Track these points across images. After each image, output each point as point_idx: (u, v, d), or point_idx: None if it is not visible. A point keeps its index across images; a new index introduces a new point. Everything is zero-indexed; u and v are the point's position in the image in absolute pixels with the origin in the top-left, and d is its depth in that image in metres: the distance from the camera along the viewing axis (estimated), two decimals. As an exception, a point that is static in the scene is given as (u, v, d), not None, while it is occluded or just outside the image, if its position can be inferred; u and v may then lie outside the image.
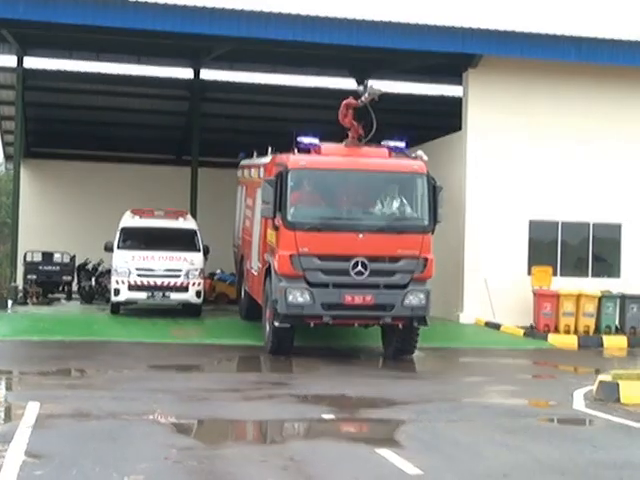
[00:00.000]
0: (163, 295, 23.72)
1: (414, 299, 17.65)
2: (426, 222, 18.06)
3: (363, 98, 18.91)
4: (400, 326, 17.99)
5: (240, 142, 37.40)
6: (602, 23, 69.16)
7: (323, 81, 34.94)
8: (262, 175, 20.09)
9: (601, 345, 22.77)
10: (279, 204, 17.24)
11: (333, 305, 17.12)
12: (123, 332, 21.39)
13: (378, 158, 18.44)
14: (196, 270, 24.05)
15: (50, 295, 29.90)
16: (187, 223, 25.60)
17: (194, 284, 23.94)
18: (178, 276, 23.80)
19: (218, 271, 32.04)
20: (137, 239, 24.74)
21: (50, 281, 30.23)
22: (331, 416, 11.76)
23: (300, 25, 24.89)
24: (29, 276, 29.87)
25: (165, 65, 33.52)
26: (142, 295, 23.78)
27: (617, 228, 26.22)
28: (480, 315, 25.04)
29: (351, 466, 9.06)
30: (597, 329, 23.88)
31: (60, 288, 30.94)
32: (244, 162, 24.94)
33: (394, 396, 13.66)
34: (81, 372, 16.16)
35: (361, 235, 17.28)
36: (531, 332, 23.55)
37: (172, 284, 23.75)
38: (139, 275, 23.68)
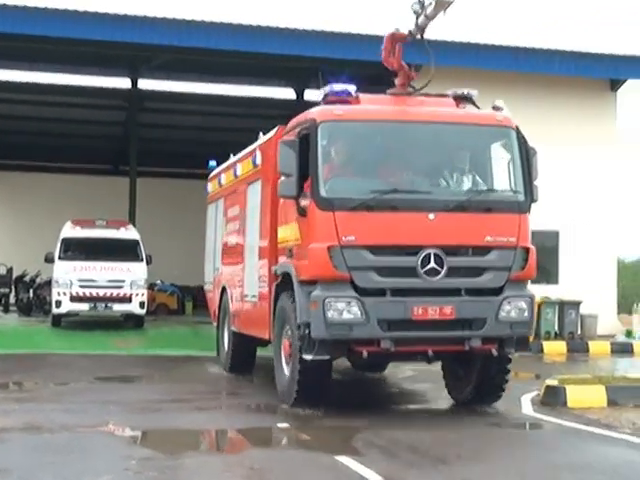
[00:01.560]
0: (106, 306, 23.42)
1: (513, 310, 12.30)
2: (522, 196, 12.56)
3: (423, 17, 12.87)
4: (494, 352, 12.50)
5: (179, 152, 37.56)
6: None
7: (261, 91, 35.05)
8: (258, 162, 14.94)
9: (541, 351, 23.06)
10: (306, 176, 11.93)
11: (396, 323, 11.75)
12: (65, 344, 21.19)
13: (445, 107, 13.05)
14: (139, 280, 23.85)
15: (-14, 308, 29.52)
16: (129, 233, 25.38)
17: (137, 295, 23.72)
18: (121, 287, 23.57)
19: (158, 282, 31.88)
20: (78, 250, 24.36)
21: (-14, 293, 29.87)
22: (286, 425, 11.77)
23: (241, 35, 24.92)
24: (-35, 289, 29.50)
25: (102, 75, 33.32)
26: (84, 306, 23.46)
27: (555, 235, 26.63)
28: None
29: (313, 474, 9.08)
30: (537, 335, 24.20)
31: (-4, 300, 30.57)
32: (218, 170, 19.49)
33: (346, 402, 13.71)
34: (27, 385, 15.93)
35: (432, 215, 11.86)
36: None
37: (115, 295, 23.48)
38: (81, 286, 23.34)
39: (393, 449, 10.26)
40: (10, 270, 31.31)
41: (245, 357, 16.93)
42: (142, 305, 23.86)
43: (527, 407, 13.53)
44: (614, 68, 26.41)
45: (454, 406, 13.82)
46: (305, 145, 11.95)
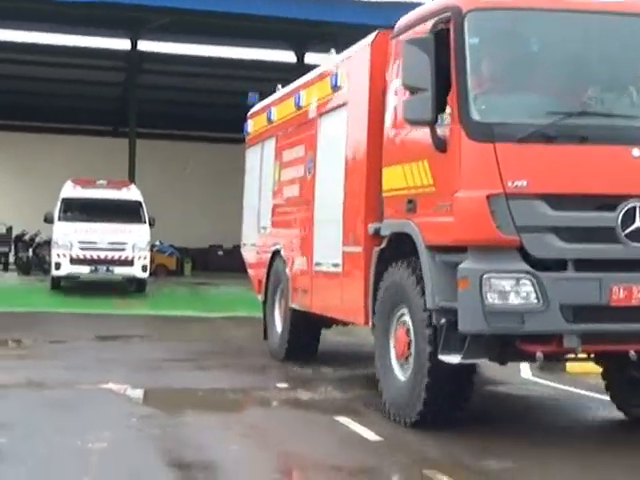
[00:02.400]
0: (107, 269, 22.68)
1: None
2: None
3: None
4: None
5: (177, 114, 37.48)
6: None
7: (259, 53, 34.88)
8: (341, 82, 11.14)
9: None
10: (444, 92, 8.42)
11: (586, 310, 8.21)
12: (65, 303, 21.29)
13: None
14: (142, 243, 23.09)
15: (-14, 267, 29.60)
16: (131, 194, 24.63)
17: (140, 258, 22.93)
18: (123, 249, 22.81)
19: (157, 243, 31.91)
20: (79, 210, 23.67)
21: (-14, 252, 29.93)
22: (285, 385, 11.85)
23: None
24: (-36, 247, 29.56)
25: (102, 36, 33.15)
26: (85, 269, 22.75)
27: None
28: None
29: (312, 433, 9.15)
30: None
31: (-4, 259, 30.65)
32: (264, 103, 15.54)
33: (344, 364, 13.78)
34: (26, 342, 15.99)
35: (638, 152, 8.27)
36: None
37: (117, 258, 22.71)
38: (81, 248, 22.59)
39: (392, 410, 10.29)
40: (10, 229, 31.37)
41: (307, 342, 13.48)
42: (144, 268, 23.11)
43: (526, 372, 13.58)
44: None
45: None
46: (443, 46, 8.41)
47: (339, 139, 11.09)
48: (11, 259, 31.14)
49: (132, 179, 30.89)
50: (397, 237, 9.30)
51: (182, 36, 32.69)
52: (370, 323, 10.01)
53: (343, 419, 9.66)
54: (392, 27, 9.92)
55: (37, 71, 34.36)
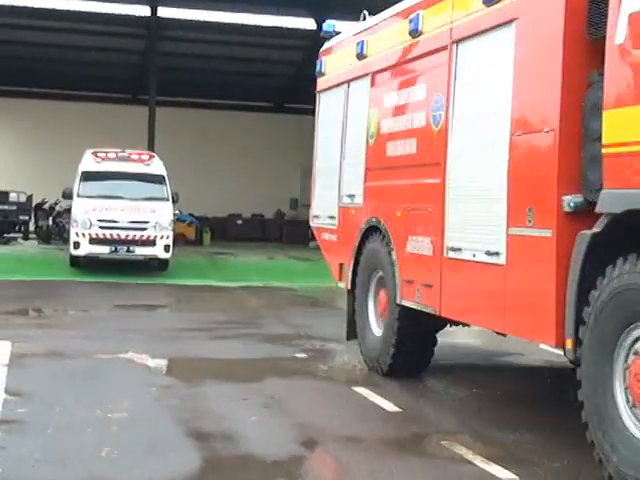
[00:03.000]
0: (128, 250, 21.33)
1: None
2: None
3: None
4: None
5: (198, 81, 37.40)
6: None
7: (280, 20, 34.76)
8: None
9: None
10: None
11: None
12: (84, 273, 21.33)
13: None
14: (164, 222, 21.66)
15: (6, 235, 29.73)
16: (155, 167, 23.06)
17: (162, 237, 21.50)
18: (145, 229, 21.38)
19: (177, 212, 31.90)
20: (99, 186, 22.16)
21: (6, 221, 30.08)
22: (304, 355, 11.87)
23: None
24: (-16, 216, 29.68)
25: (121, 2, 33.08)
26: (104, 249, 21.33)
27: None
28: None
29: (331, 403, 9.17)
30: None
31: (17, 228, 30.77)
32: (350, 33, 11.97)
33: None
34: (46, 312, 16.06)
35: None
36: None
37: (138, 237, 21.32)
38: (101, 227, 21.20)
39: (409, 382, 10.31)
40: (30, 198, 31.44)
41: (420, 350, 10.31)
42: (167, 249, 21.64)
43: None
44: None
45: (478, 344, 13.89)
46: None
47: (497, 73, 8.09)
48: (31, 227, 31.25)
49: (152, 147, 30.91)
50: (632, 217, 6.14)
51: (201, 3, 32.59)
52: (568, 344, 6.82)
53: (361, 390, 9.69)
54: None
55: (55, 37, 34.34)
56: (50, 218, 29.81)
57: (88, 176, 22.28)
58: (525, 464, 7.19)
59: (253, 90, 38.96)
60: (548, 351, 12.44)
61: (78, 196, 21.91)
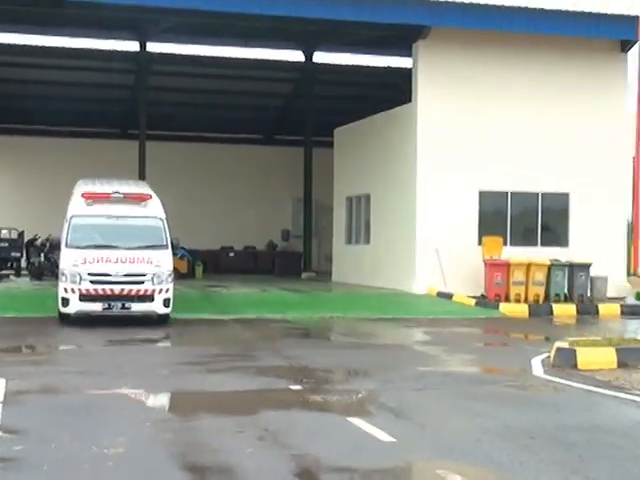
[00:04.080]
0: (123, 306, 18.86)
1: None
2: None
3: None
4: None
5: (186, 115, 37.56)
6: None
7: (269, 53, 34.97)
8: None
9: (551, 313, 23.24)
10: None
11: None
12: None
13: None
14: (163, 273, 19.14)
15: (-2, 272, 29.73)
16: (153, 210, 20.25)
17: (161, 291, 19.04)
18: (141, 282, 18.94)
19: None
20: (89, 233, 19.69)
21: (-2, 257, 30.08)
22: (298, 387, 11.90)
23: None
24: (-24, 253, 29.69)
25: (111, 38, 33.28)
26: (97, 306, 18.81)
27: (565, 197, 26.68)
28: (432, 285, 25.33)
29: (326, 435, 9.18)
30: (547, 297, 24.33)
31: (9, 265, 30.76)
32: None
33: (355, 366, 13.84)
34: (41, 348, 16.10)
35: None
36: (482, 301, 23.91)
37: (134, 292, 18.87)
38: (92, 282, 18.74)
39: (404, 411, 10.36)
40: (21, 234, 31.46)
41: None
42: (167, 303, 19.16)
43: (538, 369, 13.63)
44: (624, 28, 26.18)
45: (468, 370, 13.93)
46: None
47: None
48: (23, 264, 31.23)
49: (142, 180, 30.95)
50: None
51: (190, 37, 32.79)
52: None
53: (356, 420, 9.72)
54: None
55: (46, 74, 34.54)
56: (42, 254, 29.80)
57: (77, 222, 19.71)
58: (520, 491, 7.22)
59: (243, 122, 39.14)
60: (540, 377, 12.60)
61: (67, 246, 19.41)
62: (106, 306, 18.80)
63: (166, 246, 19.74)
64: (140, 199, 20.40)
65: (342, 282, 30.45)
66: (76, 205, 20.09)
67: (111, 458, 8.04)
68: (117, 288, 18.81)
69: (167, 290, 19.15)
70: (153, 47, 33.66)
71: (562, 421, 9.94)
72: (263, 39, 32.51)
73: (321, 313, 21.84)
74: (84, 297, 18.75)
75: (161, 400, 11.34)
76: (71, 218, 19.75)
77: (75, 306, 18.84)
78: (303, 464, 8.05)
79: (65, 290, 18.86)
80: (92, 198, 20.10)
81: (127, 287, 18.87)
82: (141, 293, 18.95)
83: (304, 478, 7.71)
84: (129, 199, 20.33)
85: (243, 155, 39.29)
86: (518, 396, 11.69)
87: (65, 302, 18.87)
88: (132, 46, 33.65)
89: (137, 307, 19.04)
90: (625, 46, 26.83)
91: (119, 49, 34.21)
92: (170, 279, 19.28)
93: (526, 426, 9.59)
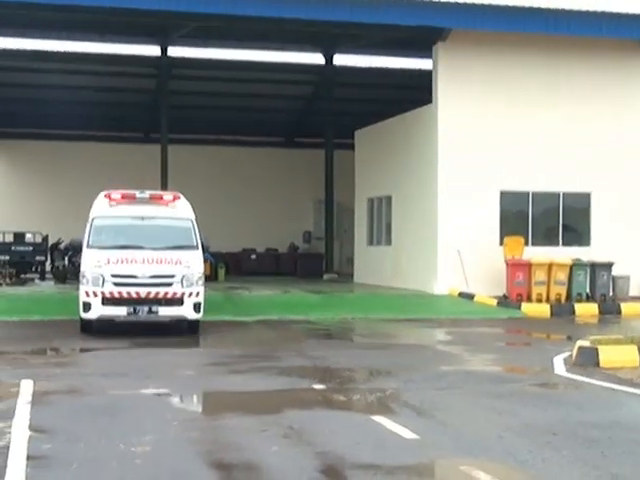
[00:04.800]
0: (150, 310, 17.60)
1: None
2: None
3: None
4: None
5: (208, 118, 37.77)
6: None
7: (289, 56, 35.08)
8: None
9: (573, 313, 23.24)
10: None
11: None
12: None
13: None
14: (194, 275, 17.80)
15: (23, 276, 29.99)
16: (181, 211, 19.09)
17: (191, 294, 17.70)
18: (170, 284, 17.65)
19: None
20: (113, 234, 18.63)
21: (23, 261, 30.39)
22: (321, 386, 12.01)
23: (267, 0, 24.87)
24: (1, 257, 29.95)
25: (132, 43, 33.52)
26: (121, 311, 17.62)
27: (587, 197, 26.67)
28: (454, 286, 25.38)
29: (350, 432, 9.29)
30: (568, 297, 24.34)
31: (33, 268, 31.04)
32: None
33: (378, 366, 13.93)
34: (65, 350, 16.30)
35: None
36: (504, 301, 23.95)
37: (162, 295, 17.62)
38: (116, 284, 17.55)
39: (427, 409, 10.45)
40: (46, 238, 31.74)
41: None
42: (197, 307, 17.83)
43: (560, 368, 13.69)
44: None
45: (490, 369, 14.00)
46: None
47: None
48: (48, 268, 31.51)
49: (165, 184, 31.15)
50: None
51: (210, 41, 32.98)
52: None
53: (379, 418, 9.83)
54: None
55: (69, 79, 34.83)
56: (66, 258, 30.03)
57: (100, 223, 18.60)
58: (542, 487, 7.31)
59: (264, 125, 39.27)
60: (562, 375, 12.65)
61: (88, 247, 18.23)
62: (131, 310, 17.58)
63: (196, 247, 18.37)
64: (167, 200, 19.29)
65: (363, 283, 30.54)
66: (99, 206, 19.08)
67: (139, 456, 8.18)
68: (143, 291, 17.59)
69: (198, 294, 17.81)
70: (174, 51, 33.85)
71: (584, 418, 10.01)
72: (283, 42, 32.63)
73: (343, 314, 21.95)
74: (107, 300, 17.56)
75: (186, 400, 11.48)
76: (93, 219, 18.65)
77: (97, 310, 17.65)
78: (328, 461, 8.16)
79: (87, 294, 17.66)
80: (116, 200, 19.06)
81: (154, 289, 17.62)
82: (169, 296, 17.65)
83: (329, 475, 7.81)
84: (155, 200, 19.27)
85: (264, 157, 39.43)
86: (540, 394, 11.75)
87: (87, 307, 17.70)
88: (153, 50, 33.86)
89: (165, 311, 17.73)
90: (645, 45, 26.82)
91: (140, 54, 34.43)
92: (201, 282, 17.93)
93: (548, 423, 9.66)
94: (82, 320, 18.10)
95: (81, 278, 18.04)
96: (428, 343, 17.94)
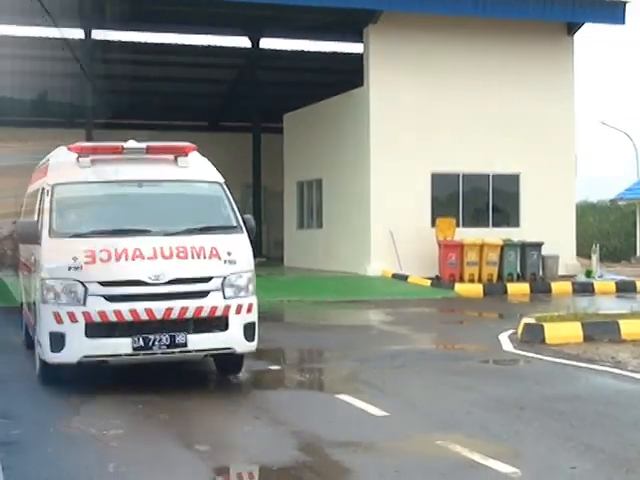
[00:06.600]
0: (172, 342, 10.06)
1: None
2: None
3: None
4: None
5: (132, 103, 37.32)
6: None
7: (215, 39, 34.78)
8: None
9: (505, 292, 23.58)
10: None
11: None
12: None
13: None
14: (242, 276, 10.50)
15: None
16: (202, 170, 11.93)
17: (241, 309, 10.39)
18: (204, 293, 10.26)
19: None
20: (94, 212, 11.24)
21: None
22: (277, 367, 11.99)
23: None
24: None
25: (45, 25, 32.77)
26: (121, 345, 9.97)
27: (515, 178, 27.04)
28: (387, 267, 25.53)
29: (319, 411, 9.31)
30: (500, 277, 24.71)
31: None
32: None
33: (329, 346, 13.96)
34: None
35: None
36: (437, 282, 24.19)
37: (192, 313, 10.13)
38: (110, 297, 9.98)
39: (390, 387, 10.51)
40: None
41: None
42: (250, 332, 10.46)
43: (507, 345, 13.86)
44: (571, 12, 26.62)
45: (440, 347, 14.13)
46: None
47: None
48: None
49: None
50: None
51: (134, 24, 32.48)
52: None
53: (345, 397, 9.84)
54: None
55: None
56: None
57: (66, 193, 11.01)
58: (524, 458, 7.41)
59: (188, 109, 38.94)
60: (511, 352, 12.83)
61: (51, 235, 10.54)
62: (140, 343, 9.94)
63: (238, 228, 10.97)
64: (173, 152, 11.84)
65: (294, 267, 30.51)
66: (61, 168, 11.53)
67: (112, 439, 8.07)
68: (159, 307, 10.02)
69: (250, 307, 10.48)
70: (97, 34, 33.25)
71: (545, 392, 10.18)
72: (210, 26, 32.34)
73: (279, 297, 21.89)
74: (94, 329, 9.90)
75: (149, 385, 11.35)
76: (53, 188, 11.00)
77: (78, 347, 9.90)
78: (305, 440, 8.15)
79: (55, 317, 9.94)
80: (90, 155, 11.36)
81: (178, 304, 10.08)
82: (205, 314, 10.18)
83: (310, 453, 7.81)
84: (156, 152, 11.83)
85: (189, 142, 39.08)
86: (496, 370, 11.94)
87: (58, 342, 9.90)
88: (77, 33, 33.23)
89: (197, 342, 10.16)
90: (571, 29, 27.26)
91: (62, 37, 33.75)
92: (252, 287, 10.60)
93: (513, 398, 9.80)
94: (45, 367, 10.42)
95: (42, 292, 10.19)
96: (371, 324, 18.02)
